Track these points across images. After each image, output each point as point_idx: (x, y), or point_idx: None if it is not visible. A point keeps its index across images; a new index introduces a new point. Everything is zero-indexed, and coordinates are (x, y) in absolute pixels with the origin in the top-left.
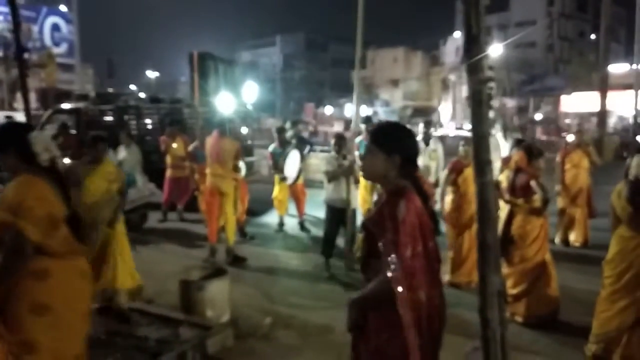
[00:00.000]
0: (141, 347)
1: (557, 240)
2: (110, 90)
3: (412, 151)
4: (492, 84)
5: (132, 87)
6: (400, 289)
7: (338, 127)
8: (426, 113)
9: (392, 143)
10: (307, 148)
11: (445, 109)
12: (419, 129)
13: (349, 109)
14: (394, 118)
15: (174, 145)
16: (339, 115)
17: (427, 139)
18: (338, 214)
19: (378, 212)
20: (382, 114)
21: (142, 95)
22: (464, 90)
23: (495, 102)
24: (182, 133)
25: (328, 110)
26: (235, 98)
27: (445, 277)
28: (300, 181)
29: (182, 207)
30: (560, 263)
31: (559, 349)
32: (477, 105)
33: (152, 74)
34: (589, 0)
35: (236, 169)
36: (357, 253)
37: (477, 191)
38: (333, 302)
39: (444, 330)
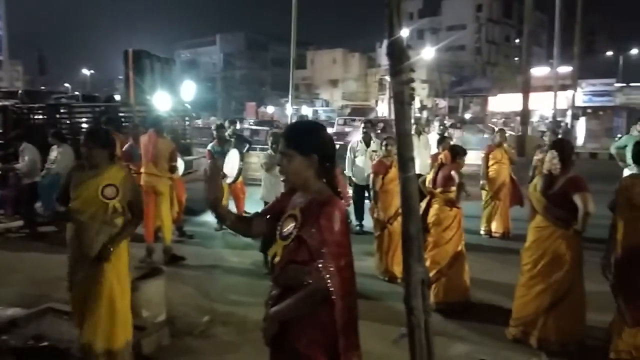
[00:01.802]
0: (72, 350)
1: (482, 231)
2: (43, 88)
3: (328, 148)
4: (413, 85)
5: (67, 85)
6: (335, 298)
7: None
8: (364, 113)
9: (308, 142)
10: (247, 146)
11: (382, 108)
12: (360, 129)
13: (290, 108)
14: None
15: None
16: (280, 114)
17: (367, 139)
18: None
19: (313, 223)
20: (322, 114)
21: (76, 93)
22: None
23: (429, 103)
24: (118, 132)
25: (270, 109)
26: (173, 96)
27: (377, 270)
28: (240, 180)
29: None
30: (484, 253)
31: (482, 334)
32: (400, 105)
33: (87, 72)
34: (514, 7)
35: (172, 169)
36: (273, 258)
37: (401, 186)
38: None
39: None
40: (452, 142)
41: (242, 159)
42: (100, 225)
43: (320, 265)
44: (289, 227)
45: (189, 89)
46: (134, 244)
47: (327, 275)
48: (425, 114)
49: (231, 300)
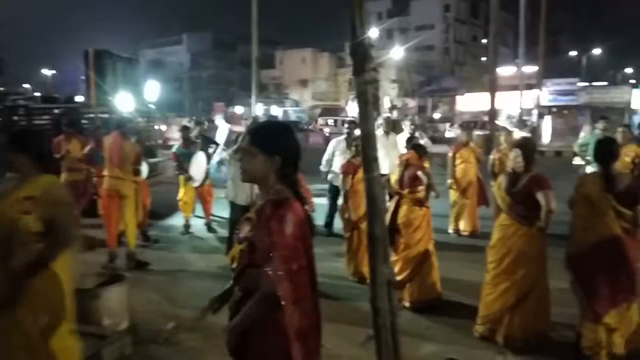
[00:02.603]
0: None
1: (450, 230)
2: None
3: (293, 152)
4: (383, 85)
5: (26, 86)
6: (285, 303)
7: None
8: (335, 113)
9: (273, 143)
10: (214, 148)
11: (352, 108)
12: (344, 129)
13: (260, 109)
14: (304, 118)
15: (69, 146)
16: (249, 114)
17: (350, 140)
18: (242, 211)
19: (264, 226)
20: (292, 114)
21: (35, 94)
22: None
23: (398, 102)
24: (79, 134)
25: (238, 109)
26: (136, 97)
27: (347, 271)
28: (208, 182)
29: (80, 212)
30: (452, 251)
31: (451, 333)
32: (364, 104)
33: (48, 72)
34: (481, 7)
35: (137, 172)
36: (232, 263)
37: (366, 186)
38: None
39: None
40: (420, 142)
41: (209, 161)
42: (13, 251)
43: (268, 270)
44: (245, 230)
45: (153, 89)
46: (96, 250)
47: (276, 280)
48: (395, 113)
49: (197, 305)
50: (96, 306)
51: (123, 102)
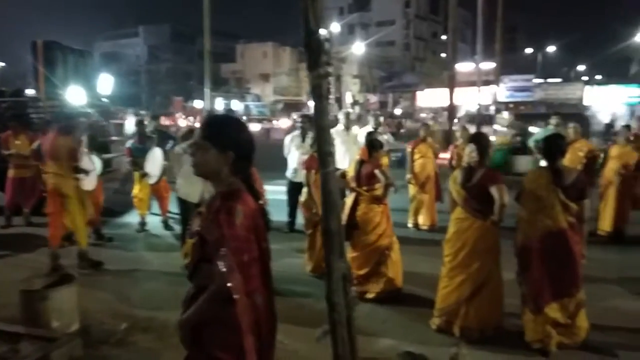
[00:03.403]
0: None
1: (409, 224)
2: None
3: (246, 147)
4: (346, 80)
5: None
6: (237, 296)
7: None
8: (297, 108)
9: (226, 138)
10: (170, 143)
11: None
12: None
13: (220, 103)
14: (266, 112)
15: (17, 142)
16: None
17: (304, 134)
18: (194, 208)
19: (213, 218)
20: (254, 109)
21: None
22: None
23: (360, 98)
24: (27, 129)
25: (197, 104)
26: (89, 91)
27: (307, 267)
28: (164, 178)
29: (28, 210)
30: (411, 246)
31: (407, 326)
32: (318, 99)
33: None
34: (441, 4)
35: (77, 169)
36: (185, 258)
37: (321, 181)
38: None
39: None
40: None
41: (165, 157)
42: None
43: (219, 263)
44: (196, 224)
45: (107, 83)
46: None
47: (227, 273)
48: (357, 109)
49: (153, 305)
50: (44, 308)
51: (74, 96)
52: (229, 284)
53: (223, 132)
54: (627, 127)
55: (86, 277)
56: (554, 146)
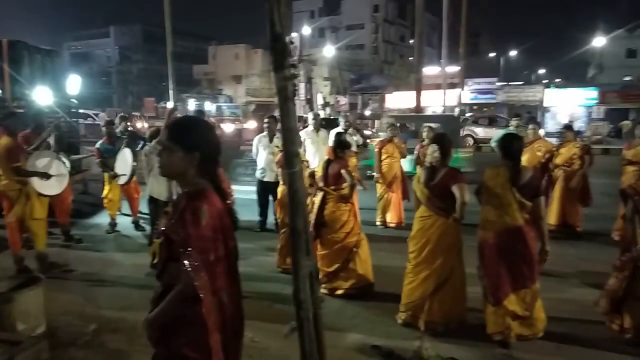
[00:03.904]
0: None
1: (377, 222)
2: None
3: (212, 148)
4: (316, 82)
5: None
6: (203, 294)
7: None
8: (269, 109)
9: (192, 139)
10: (140, 144)
11: None
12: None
13: (193, 104)
14: (238, 114)
15: None
16: (182, 110)
17: (271, 134)
18: (164, 207)
19: (179, 218)
20: (226, 110)
21: None
22: (301, 88)
23: (331, 100)
24: None
25: (170, 105)
26: (57, 91)
27: (278, 264)
28: (134, 179)
29: None
30: (379, 243)
31: (375, 321)
32: (284, 100)
33: None
34: (408, 8)
35: (18, 171)
36: (152, 258)
37: (287, 181)
38: None
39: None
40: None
41: (135, 157)
42: None
43: (185, 262)
44: (163, 224)
45: (75, 83)
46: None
47: (193, 272)
48: (328, 110)
49: (122, 306)
50: (9, 310)
51: (41, 96)
52: (195, 283)
53: (189, 133)
54: (568, 127)
55: (54, 279)
56: (510, 146)
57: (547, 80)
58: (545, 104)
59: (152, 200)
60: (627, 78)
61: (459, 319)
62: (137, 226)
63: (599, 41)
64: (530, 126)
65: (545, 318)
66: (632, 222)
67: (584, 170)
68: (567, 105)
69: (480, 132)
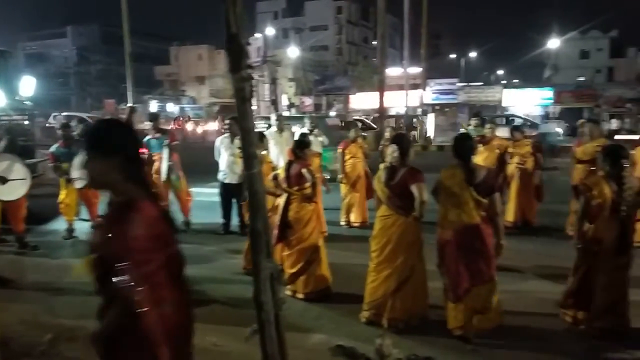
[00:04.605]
0: None
1: (342, 221)
2: None
3: (132, 148)
4: (281, 82)
5: None
6: (144, 309)
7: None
8: (234, 110)
9: (108, 143)
10: None
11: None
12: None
13: (154, 106)
14: (202, 115)
15: None
16: (143, 112)
17: (233, 136)
18: None
19: (110, 232)
20: (190, 111)
21: None
22: (266, 89)
23: (296, 100)
24: None
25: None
26: (8, 92)
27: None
28: None
29: None
30: (344, 242)
31: (339, 321)
32: (241, 101)
33: None
34: (371, 10)
35: None
36: (86, 273)
37: (247, 182)
38: None
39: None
40: (319, 139)
41: None
42: None
43: (122, 277)
44: (94, 237)
45: (29, 84)
46: None
47: (130, 287)
48: (293, 111)
49: (80, 314)
50: None
51: None
52: (134, 298)
53: (105, 137)
54: (516, 128)
55: (8, 289)
56: (462, 146)
57: (505, 81)
58: (503, 104)
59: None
60: (581, 78)
61: (421, 315)
62: None
63: (553, 43)
64: (487, 125)
65: (503, 312)
66: (582, 218)
67: (539, 169)
68: (525, 104)
69: (499, 131)
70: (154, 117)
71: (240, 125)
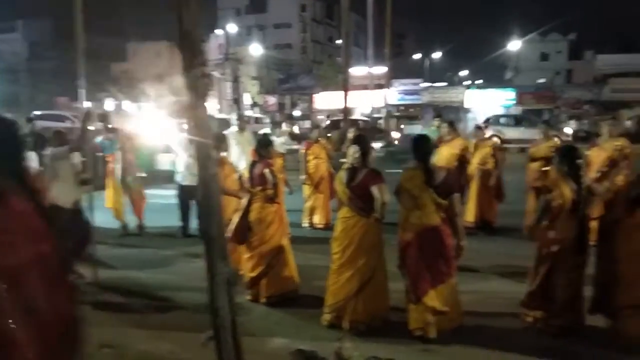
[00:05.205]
0: None
1: (305, 223)
2: None
3: (7, 146)
4: (243, 80)
5: None
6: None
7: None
8: None
9: None
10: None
11: (211, 104)
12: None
13: (111, 104)
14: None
15: None
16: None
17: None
18: (69, 215)
19: None
20: (148, 109)
21: None
22: (228, 87)
23: (259, 99)
24: None
25: (86, 105)
26: None
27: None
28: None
29: None
30: (307, 244)
31: (300, 324)
32: (195, 101)
33: None
34: (336, 9)
35: None
36: None
37: (201, 184)
38: None
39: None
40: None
41: (41, 162)
42: None
43: None
44: None
45: None
46: None
47: None
48: (257, 110)
49: None
50: None
51: None
52: None
53: None
54: (479, 127)
55: None
56: (420, 148)
57: (468, 82)
58: (466, 105)
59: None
60: (541, 80)
61: (382, 317)
62: None
63: (514, 45)
64: (444, 125)
65: (462, 312)
66: (541, 219)
67: (499, 170)
68: (487, 105)
69: (509, 132)
70: (104, 117)
71: (194, 126)
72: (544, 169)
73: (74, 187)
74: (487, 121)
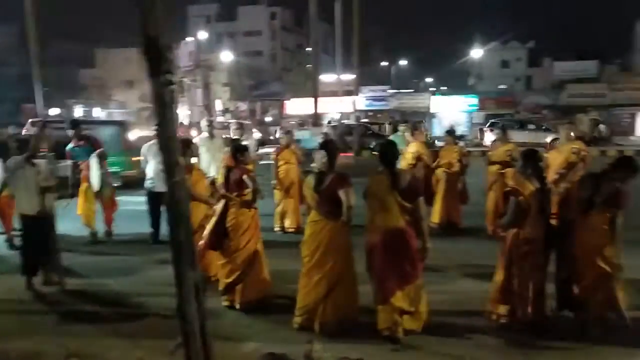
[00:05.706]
0: None
1: (276, 227)
2: None
3: None
4: (215, 87)
5: None
6: None
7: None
8: None
9: None
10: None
11: (182, 111)
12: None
13: (79, 111)
14: (131, 120)
15: None
16: (67, 117)
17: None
18: (32, 221)
19: None
20: (119, 116)
21: None
22: (198, 94)
23: (230, 105)
24: None
25: (54, 112)
26: None
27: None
28: (6, 193)
29: None
30: (278, 248)
31: (272, 328)
32: (162, 107)
33: None
34: (305, 17)
35: None
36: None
37: (168, 191)
38: (41, 326)
39: None
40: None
41: (6, 169)
42: None
43: None
44: None
45: None
46: None
47: None
48: (228, 116)
49: None
50: None
51: None
52: None
53: None
54: (449, 132)
55: None
56: (386, 153)
57: (434, 88)
58: (432, 110)
59: (22, 217)
60: (502, 86)
61: (352, 318)
62: (10, 245)
63: (477, 53)
64: (401, 127)
65: (429, 311)
66: (512, 221)
67: (463, 174)
68: (452, 111)
69: (514, 136)
70: (75, 124)
71: (160, 133)
72: (501, 171)
73: (36, 195)
74: (492, 125)
